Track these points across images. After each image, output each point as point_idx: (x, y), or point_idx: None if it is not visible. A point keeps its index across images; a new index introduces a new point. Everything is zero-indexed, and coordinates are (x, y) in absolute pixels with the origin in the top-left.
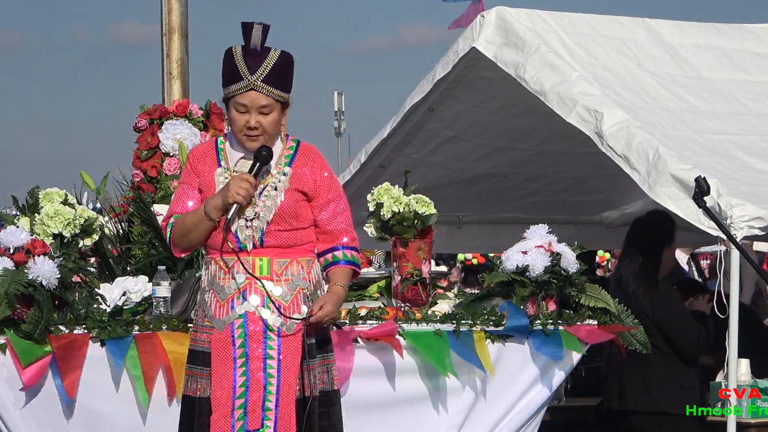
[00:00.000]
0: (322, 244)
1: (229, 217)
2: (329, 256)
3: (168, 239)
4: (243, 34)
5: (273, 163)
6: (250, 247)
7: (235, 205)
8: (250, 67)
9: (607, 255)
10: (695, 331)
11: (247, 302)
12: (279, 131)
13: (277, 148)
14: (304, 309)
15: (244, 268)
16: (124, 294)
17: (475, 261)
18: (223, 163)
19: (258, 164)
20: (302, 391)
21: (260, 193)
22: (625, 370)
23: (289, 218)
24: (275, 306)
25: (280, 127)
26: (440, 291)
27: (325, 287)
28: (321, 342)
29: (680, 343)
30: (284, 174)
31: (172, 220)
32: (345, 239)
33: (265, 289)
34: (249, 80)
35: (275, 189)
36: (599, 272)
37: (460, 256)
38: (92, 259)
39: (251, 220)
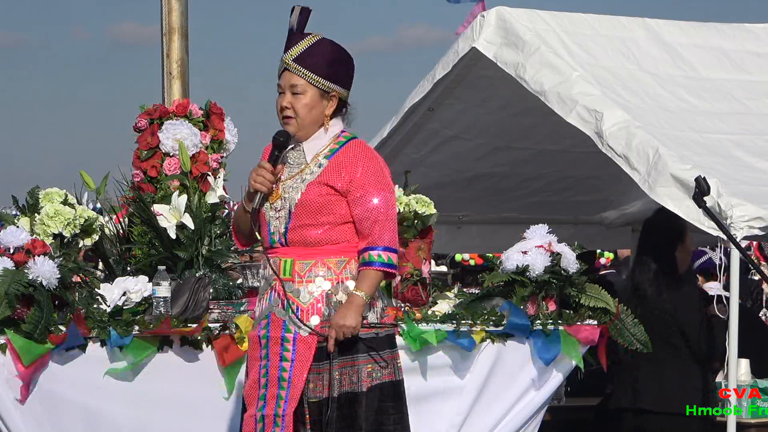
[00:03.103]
0: (360, 241)
1: (254, 206)
2: (364, 255)
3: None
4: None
5: (311, 154)
6: (277, 238)
7: (258, 194)
8: (285, 48)
9: (612, 255)
10: (713, 334)
11: (271, 303)
12: (317, 120)
13: (320, 140)
14: (314, 319)
15: (272, 268)
16: (124, 294)
17: (472, 262)
18: None
19: (275, 150)
20: (322, 391)
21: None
22: (642, 369)
23: (314, 212)
24: (294, 309)
25: (321, 116)
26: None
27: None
28: (344, 344)
29: (700, 345)
30: (319, 166)
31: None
32: (381, 238)
33: (284, 287)
34: (282, 60)
35: (302, 181)
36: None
37: (458, 257)
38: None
39: (279, 210)
